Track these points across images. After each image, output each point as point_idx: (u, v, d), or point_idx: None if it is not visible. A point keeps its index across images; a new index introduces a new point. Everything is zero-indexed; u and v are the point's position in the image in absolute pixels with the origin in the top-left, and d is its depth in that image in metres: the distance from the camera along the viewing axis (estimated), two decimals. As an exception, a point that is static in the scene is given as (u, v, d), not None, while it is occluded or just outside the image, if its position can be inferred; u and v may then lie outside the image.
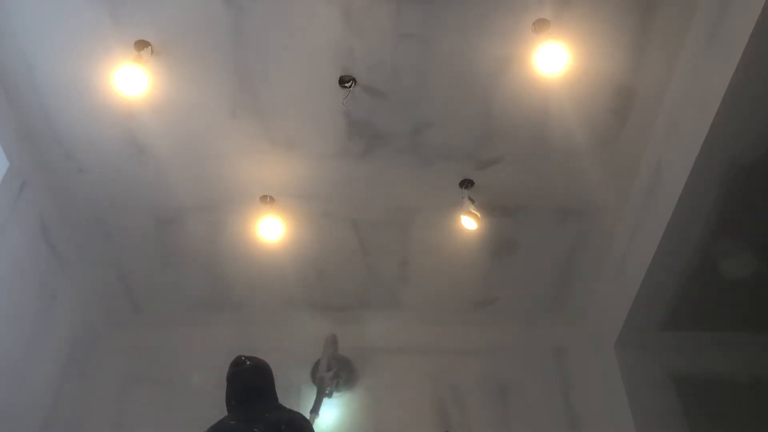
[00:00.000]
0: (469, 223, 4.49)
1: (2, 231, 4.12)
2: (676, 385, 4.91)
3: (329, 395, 4.98)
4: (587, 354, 5.41)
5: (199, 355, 5.34)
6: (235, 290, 5.32)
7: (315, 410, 4.69)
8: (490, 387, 5.23)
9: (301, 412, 3.19)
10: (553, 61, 3.69)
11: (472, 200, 4.51)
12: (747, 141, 3.71)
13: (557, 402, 5.18)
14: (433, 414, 5.10)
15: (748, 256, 4.40)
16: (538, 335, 5.49)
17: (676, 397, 4.84)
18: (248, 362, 2.98)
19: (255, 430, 2.72)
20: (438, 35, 3.84)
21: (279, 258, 5.00)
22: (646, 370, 4.99)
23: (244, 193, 4.67)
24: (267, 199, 4.69)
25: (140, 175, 4.53)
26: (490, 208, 4.68)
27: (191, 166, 4.50)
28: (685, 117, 3.90)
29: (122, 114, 4.16)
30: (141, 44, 3.80)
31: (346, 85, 4.02)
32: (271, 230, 4.65)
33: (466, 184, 4.58)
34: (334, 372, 5.02)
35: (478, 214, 4.48)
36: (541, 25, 3.72)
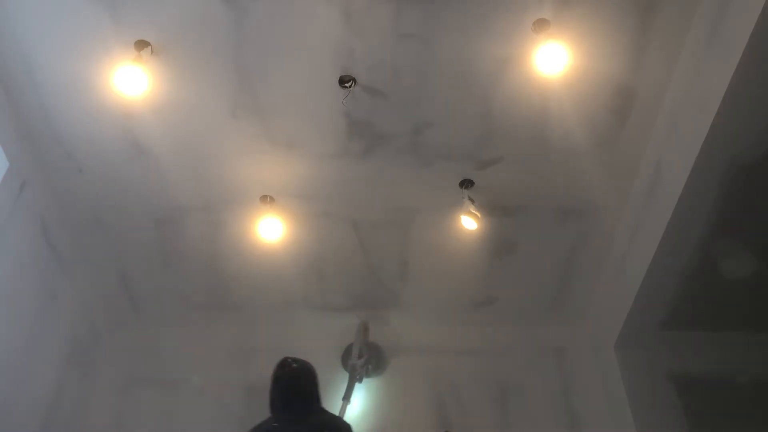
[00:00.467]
0: (469, 223, 4.49)
1: (2, 231, 4.11)
2: (676, 385, 4.91)
3: (359, 381, 5.08)
4: (587, 354, 5.41)
5: (199, 355, 5.35)
6: (235, 290, 5.32)
7: (347, 397, 4.81)
8: (490, 387, 5.24)
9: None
10: (553, 61, 3.69)
11: (472, 200, 4.51)
12: (747, 141, 3.71)
13: (557, 402, 5.18)
14: (433, 414, 5.10)
15: (748, 256, 4.40)
16: (538, 335, 5.49)
17: (676, 397, 4.85)
18: (294, 364, 2.98)
19: None
20: (438, 35, 3.84)
21: (279, 258, 5.00)
22: (646, 370, 4.99)
23: (244, 193, 4.67)
24: (267, 199, 4.69)
25: (140, 175, 4.53)
26: (490, 208, 4.68)
27: (191, 166, 4.50)
28: (685, 117, 3.90)
29: (122, 114, 4.16)
30: (141, 44, 3.80)
31: (346, 85, 4.02)
32: (271, 230, 4.65)
33: (466, 184, 4.58)
34: (366, 359, 5.12)
35: (478, 214, 4.48)
36: (541, 25, 3.72)
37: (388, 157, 4.45)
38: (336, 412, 4.56)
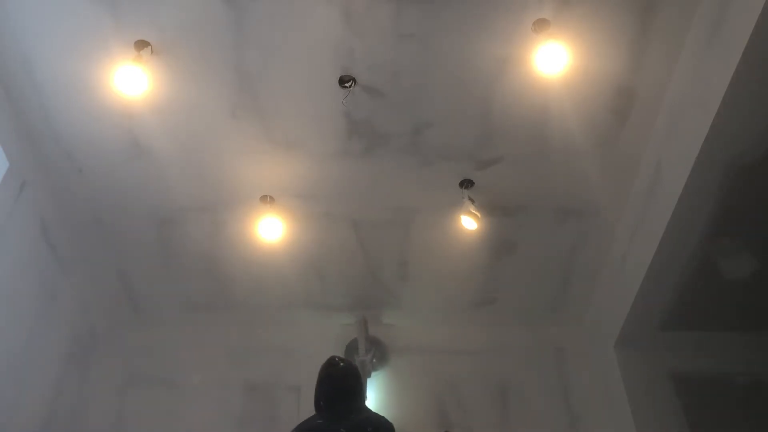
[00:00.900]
0: (469, 223, 4.49)
1: (2, 231, 4.12)
2: (676, 385, 4.92)
3: (369, 375, 5.08)
4: (587, 354, 5.41)
5: (199, 355, 5.35)
6: (235, 290, 5.32)
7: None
8: (490, 387, 5.24)
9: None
10: (553, 61, 3.69)
11: (472, 200, 4.51)
12: (747, 141, 3.71)
13: (557, 402, 5.18)
14: (433, 414, 5.11)
15: (748, 256, 4.40)
16: (538, 335, 5.50)
17: (676, 397, 4.86)
18: (342, 363, 3.08)
19: (342, 430, 2.82)
20: (438, 35, 3.84)
21: (279, 258, 4.99)
22: (646, 370, 5.01)
23: (244, 193, 4.67)
24: (267, 199, 4.69)
25: (140, 175, 4.53)
26: (490, 208, 4.68)
27: (191, 166, 4.50)
28: (685, 117, 3.90)
29: (122, 114, 4.16)
30: (141, 44, 3.80)
31: (346, 85, 4.02)
32: (271, 230, 4.65)
33: (466, 184, 4.58)
34: (372, 354, 5.15)
35: (478, 214, 4.48)
36: (541, 25, 3.72)
37: (388, 157, 4.45)
38: None
